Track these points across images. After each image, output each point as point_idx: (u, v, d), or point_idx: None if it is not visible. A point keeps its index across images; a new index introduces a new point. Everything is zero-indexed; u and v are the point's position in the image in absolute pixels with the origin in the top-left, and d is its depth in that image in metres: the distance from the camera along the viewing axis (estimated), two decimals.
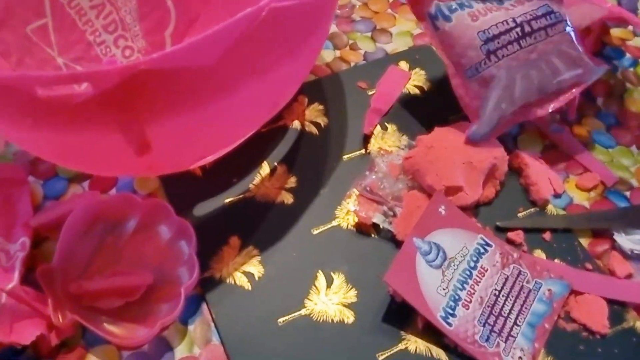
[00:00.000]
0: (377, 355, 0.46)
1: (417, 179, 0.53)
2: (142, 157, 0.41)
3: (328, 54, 0.67)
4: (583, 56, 0.55)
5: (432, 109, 0.61)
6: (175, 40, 0.62)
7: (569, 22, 0.55)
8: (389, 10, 0.72)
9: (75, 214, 0.47)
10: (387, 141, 0.58)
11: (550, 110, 0.55)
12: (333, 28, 0.70)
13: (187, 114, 0.39)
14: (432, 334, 0.46)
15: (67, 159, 0.44)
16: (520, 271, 0.49)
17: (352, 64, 0.66)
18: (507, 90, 0.53)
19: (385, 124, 0.60)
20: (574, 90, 0.56)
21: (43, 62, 0.54)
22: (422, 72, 0.65)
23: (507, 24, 0.53)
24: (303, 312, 0.47)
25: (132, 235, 0.50)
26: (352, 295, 0.49)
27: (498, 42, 0.53)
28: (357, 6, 0.73)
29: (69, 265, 0.47)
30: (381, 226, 0.51)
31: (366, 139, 0.59)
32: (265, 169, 0.56)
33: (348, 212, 0.53)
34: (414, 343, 0.46)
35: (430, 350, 0.46)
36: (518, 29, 0.53)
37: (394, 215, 0.52)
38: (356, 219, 0.52)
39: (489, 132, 0.54)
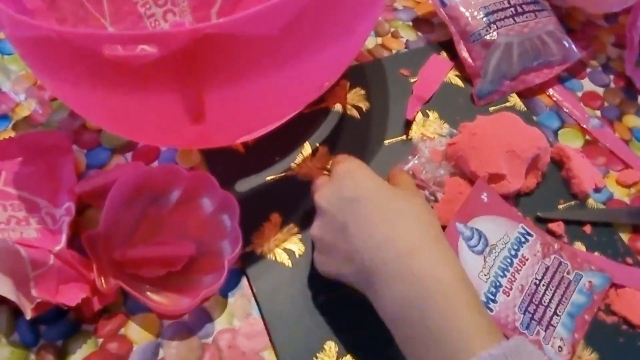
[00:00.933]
0: None
1: (460, 165, 0.53)
2: (196, 125, 0.41)
3: (370, 41, 0.67)
4: (566, 37, 0.65)
5: (473, 98, 0.61)
6: (221, 17, 0.62)
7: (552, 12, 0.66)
8: (430, 1, 0.72)
9: (121, 182, 0.47)
10: (429, 128, 0.58)
11: (545, 79, 0.63)
12: None
13: (244, 84, 0.39)
14: None
15: (119, 124, 0.44)
16: (560, 262, 0.49)
17: (394, 52, 0.66)
18: (506, 54, 0.61)
19: (427, 111, 0.60)
20: (561, 65, 0.64)
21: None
22: None
23: (503, 4, 0.64)
24: (342, 291, 0.48)
25: (176, 206, 0.50)
26: None
27: (497, 16, 0.63)
28: None
29: (113, 232, 0.47)
30: None
31: (407, 125, 0.59)
32: (307, 149, 0.56)
33: None
34: None
35: None
36: (512, 9, 0.64)
37: (435, 200, 0.52)
38: None
39: (493, 91, 0.61)
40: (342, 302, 0.47)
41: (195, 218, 0.50)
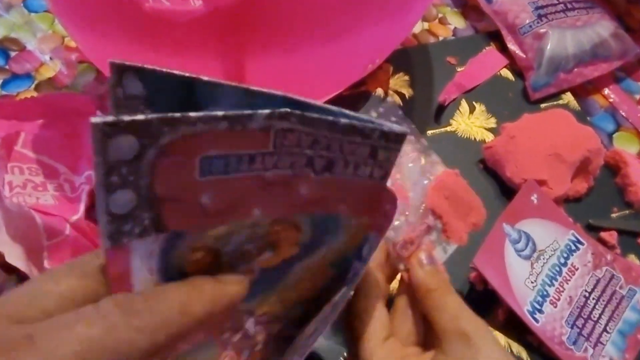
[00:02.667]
0: None
1: (497, 170, 0.49)
2: None
3: (416, 25, 0.63)
4: (622, 32, 0.61)
5: (524, 93, 0.57)
6: None
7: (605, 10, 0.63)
8: None
9: None
10: (475, 121, 0.55)
11: (603, 73, 0.59)
12: None
13: (288, 54, 0.36)
14: (513, 328, 0.43)
15: None
16: (613, 275, 0.45)
17: (441, 39, 0.62)
18: (560, 44, 0.57)
19: (474, 103, 0.56)
20: (619, 60, 0.60)
21: None
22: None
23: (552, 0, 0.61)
24: None
25: None
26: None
27: (546, 10, 0.60)
28: None
29: None
30: None
31: (443, 112, 0.55)
32: None
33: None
34: None
35: (510, 346, 0.43)
36: (562, 5, 0.61)
37: (444, 229, 0.47)
38: None
39: (548, 83, 0.57)
40: None
41: None
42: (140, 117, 0.18)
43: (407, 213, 0.34)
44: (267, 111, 0.21)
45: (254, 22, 0.32)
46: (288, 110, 0.22)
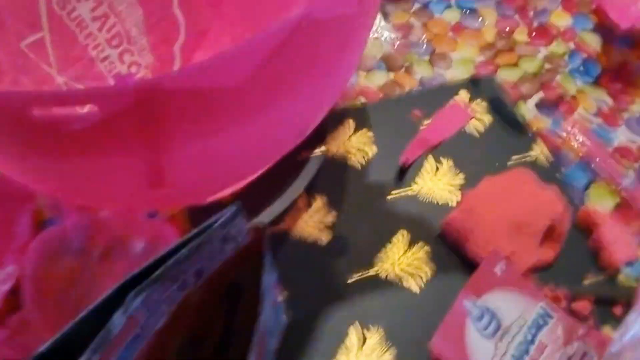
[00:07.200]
0: None
1: (459, 246, 0.47)
2: (155, 189, 0.35)
3: (381, 76, 0.61)
4: None
5: (492, 146, 0.55)
6: (185, 54, 0.56)
7: None
8: (450, 34, 0.66)
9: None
10: (442, 178, 0.52)
11: None
12: (387, 48, 0.64)
13: (206, 142, 0.33)
14: None
15: (64, 193, 0.38)
16: (585, 352, 0.42)
17: (407, 89, 0.60)
18: None
19: (441, 158, 0.53)
20: None
21: (41, 81, 0.49)
22: (484, 104, 0.58)
23: None
24: None
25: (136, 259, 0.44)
26: (387, 358, 0.42)
27: None
28: (415, 26, 0.66)
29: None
30: None
31: (406, 172, 0.52)
32: (302, 200, 0.50)
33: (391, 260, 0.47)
34: None
35: None
36: None
37: None
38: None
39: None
40: None
41: None
42: None
43: None
44: (117, 315, 0.27)
45: (164, 116, 0.29)
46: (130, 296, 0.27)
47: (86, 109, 0.27)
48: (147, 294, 0.28)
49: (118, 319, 0.27)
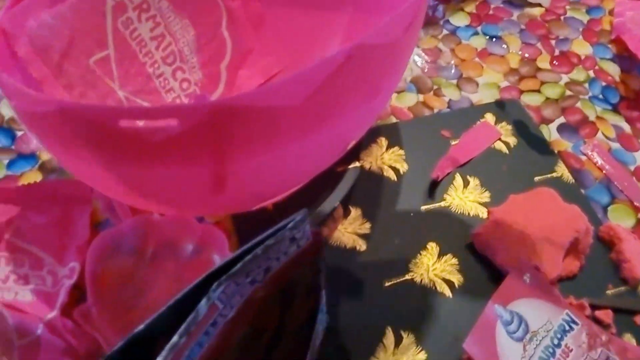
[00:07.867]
0: None
1: (488, 256, 0.50)
2: (215, 197, 0.39)
3: (411, 98, 0.65)
4: None
5: (517, 166, 0.58)
6: (230, 72, 0.60)
7: None
8: (477, 59, 0.70)
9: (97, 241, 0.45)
10: (469, 195, 0.55)
11: None
12: (417, 71, 0.68)
13: (265, 154, 0.37)
14: None
15: (134, 198, 0.42)
16: (608, 356, 0.45)
17: (435, 110, 0.64)
18: None
19: (468, 177, 0.57)
20: None
21: (105, 95, 0.52)
22: (509, 127, 0.61)
23: None
24: None
25: (189, 261, 0.47)
26: (421, 357, 0.45)
27: None
28: (444, 52, 0.70)
29: (113, 298, 0.45)
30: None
31: (437, 187, 0.56)
32: (339, 211, 0.53)
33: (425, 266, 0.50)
34: None
35: None
36: None
37: None
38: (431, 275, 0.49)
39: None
40: None
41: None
42: None
43: None
44: (203, 302, 0.29)
45: (230, 131, 0.33)
46: (214, 286, 0.30)
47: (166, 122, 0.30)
48: (225, 285, 0.31)
49: (202, 307, 0.29)
